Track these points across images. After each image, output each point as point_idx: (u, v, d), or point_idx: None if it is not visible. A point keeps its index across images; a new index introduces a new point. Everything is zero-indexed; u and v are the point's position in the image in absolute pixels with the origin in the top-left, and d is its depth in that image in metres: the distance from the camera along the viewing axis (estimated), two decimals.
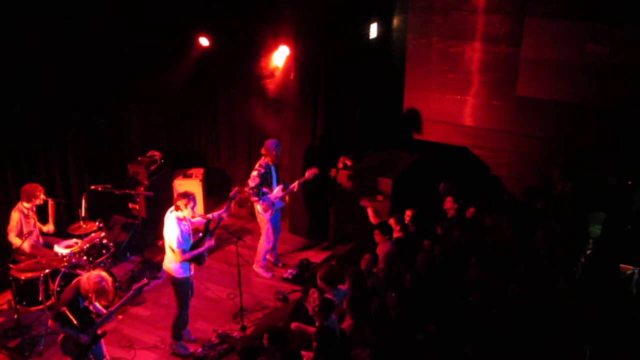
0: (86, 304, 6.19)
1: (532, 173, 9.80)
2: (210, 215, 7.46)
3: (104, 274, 6.24)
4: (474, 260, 7.15)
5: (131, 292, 6.57)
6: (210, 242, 7.31)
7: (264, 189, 8.60)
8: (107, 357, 6.69)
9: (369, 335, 5.87)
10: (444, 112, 10.35)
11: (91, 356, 6.31)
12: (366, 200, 8.73)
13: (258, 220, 8.89)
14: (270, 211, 8.67)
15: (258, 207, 8.70)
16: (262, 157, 8.61)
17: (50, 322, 6.20)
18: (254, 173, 8.54)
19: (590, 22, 8.89)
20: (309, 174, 8.73)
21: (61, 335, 6.23)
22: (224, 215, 7.55)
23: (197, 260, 7.19)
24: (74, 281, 6.28)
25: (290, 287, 8.66)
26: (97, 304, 6.36)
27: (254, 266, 8.98)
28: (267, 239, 8.86)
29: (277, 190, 8.72)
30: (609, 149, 9.20)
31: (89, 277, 6.11)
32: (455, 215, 8.56)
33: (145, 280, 6.75)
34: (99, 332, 6.30)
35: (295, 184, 8.78)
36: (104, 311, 6.44)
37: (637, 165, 8.92)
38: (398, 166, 9.50)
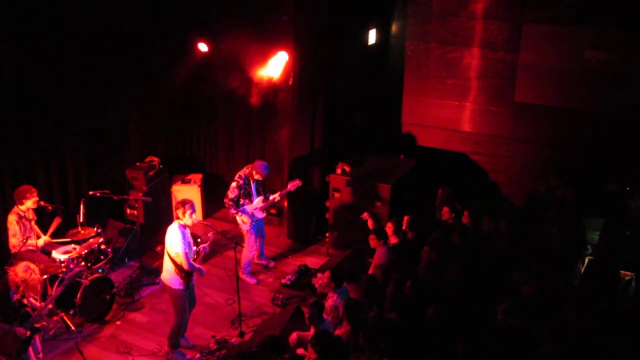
0: (18, 297, 6.13)
1: (531, 179, 9.79)
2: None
3: (32, 265, 6.21)
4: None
5: (65, 282, 6.73)
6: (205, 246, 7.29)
7: (243, 201, 8.60)
8: (41, 354, 6.69)
9: (362, 343, 5.84)
10: (442, 118, 10.36)
11: (30, 349, 6.26)
12: (367, 214, 8.65)
13: (241, 230, 8.89)
14: (249, 222, 8.68)
15: (238, 219, 8.72)
16: (245, 168, 8.64)
17: None
18: (233, 184, 8.58)
19: (588, 27, 8.91)
20: (291, 185, 8.76)
21: None
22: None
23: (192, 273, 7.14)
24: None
25: (289, 292, 8.64)
26: (31, 299, 6.31)
27: (240, 274, 8.93)
28: (249, 248, 8.84)
29: (257, 202, 8.69)
30: (608, 155, 9.21)
31: (16, 270, 6.10)
32: (453, 223, 8.54)
33: (78, 269, 6.99)
34: (37, 325, 6.23)
35: (277, 195, 8.78)
36: (39, 305, 6.42)
37: (636, 171, 8.92)
38: (397, 172, 9.50)
